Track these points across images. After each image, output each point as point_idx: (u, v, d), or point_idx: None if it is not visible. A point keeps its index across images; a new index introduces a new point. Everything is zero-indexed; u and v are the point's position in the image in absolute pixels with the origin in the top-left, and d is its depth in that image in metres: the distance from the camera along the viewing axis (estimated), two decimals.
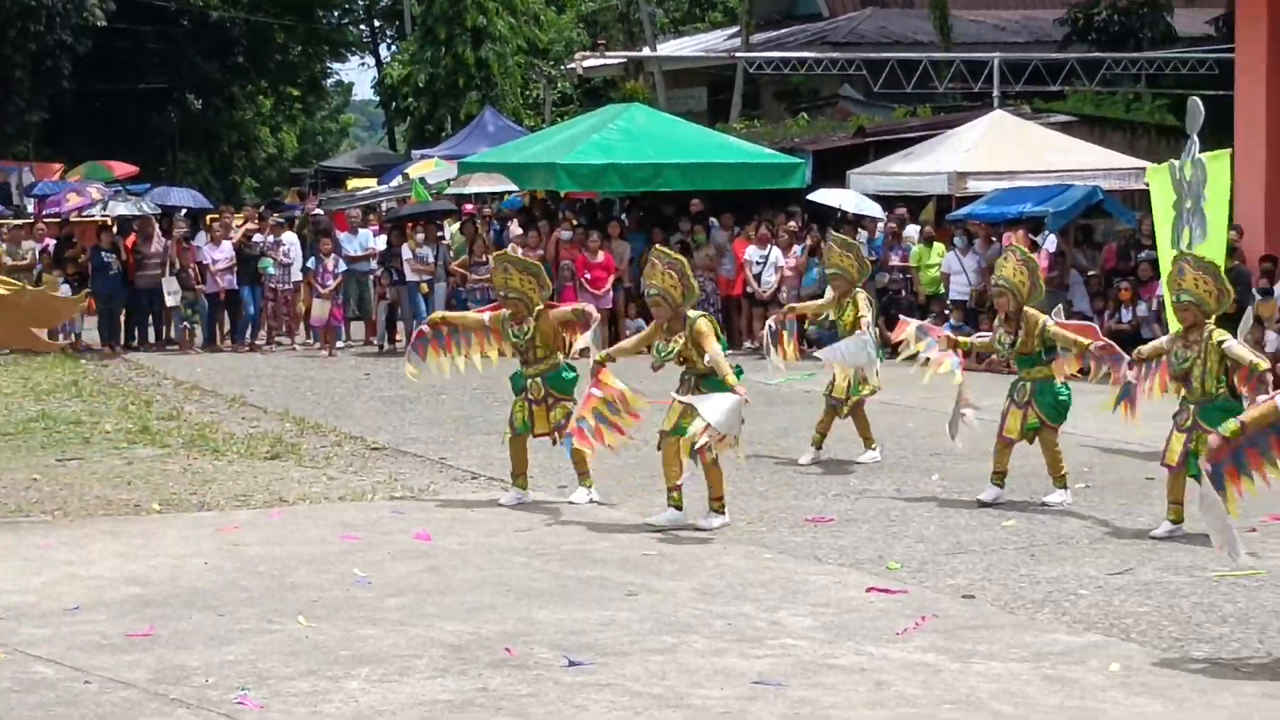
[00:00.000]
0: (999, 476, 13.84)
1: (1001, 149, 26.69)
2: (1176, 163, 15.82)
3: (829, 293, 16.53)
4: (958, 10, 40.45)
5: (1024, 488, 14.09)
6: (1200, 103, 16.86)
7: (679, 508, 12.82)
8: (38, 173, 41.98)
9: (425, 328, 14.63)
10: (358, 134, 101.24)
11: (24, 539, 12.05)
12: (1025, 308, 13.67)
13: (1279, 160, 23.16)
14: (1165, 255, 15.88)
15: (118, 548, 11.96)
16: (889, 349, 17.10)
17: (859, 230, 25.09)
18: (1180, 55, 35.82)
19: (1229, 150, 15.72)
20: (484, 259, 25.73)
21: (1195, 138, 16.21)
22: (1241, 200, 22.86)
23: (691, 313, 12.88)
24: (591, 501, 13.72)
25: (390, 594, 10.60)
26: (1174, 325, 13.46)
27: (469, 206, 30.19)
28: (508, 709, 8.24)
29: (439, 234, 26.66)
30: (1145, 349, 13.17)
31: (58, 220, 29.35)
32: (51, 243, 26.84)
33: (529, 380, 13.78)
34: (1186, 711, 8.33)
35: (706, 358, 12.64)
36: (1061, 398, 13.72)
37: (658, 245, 13.43)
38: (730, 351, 13.18)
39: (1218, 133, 25.90)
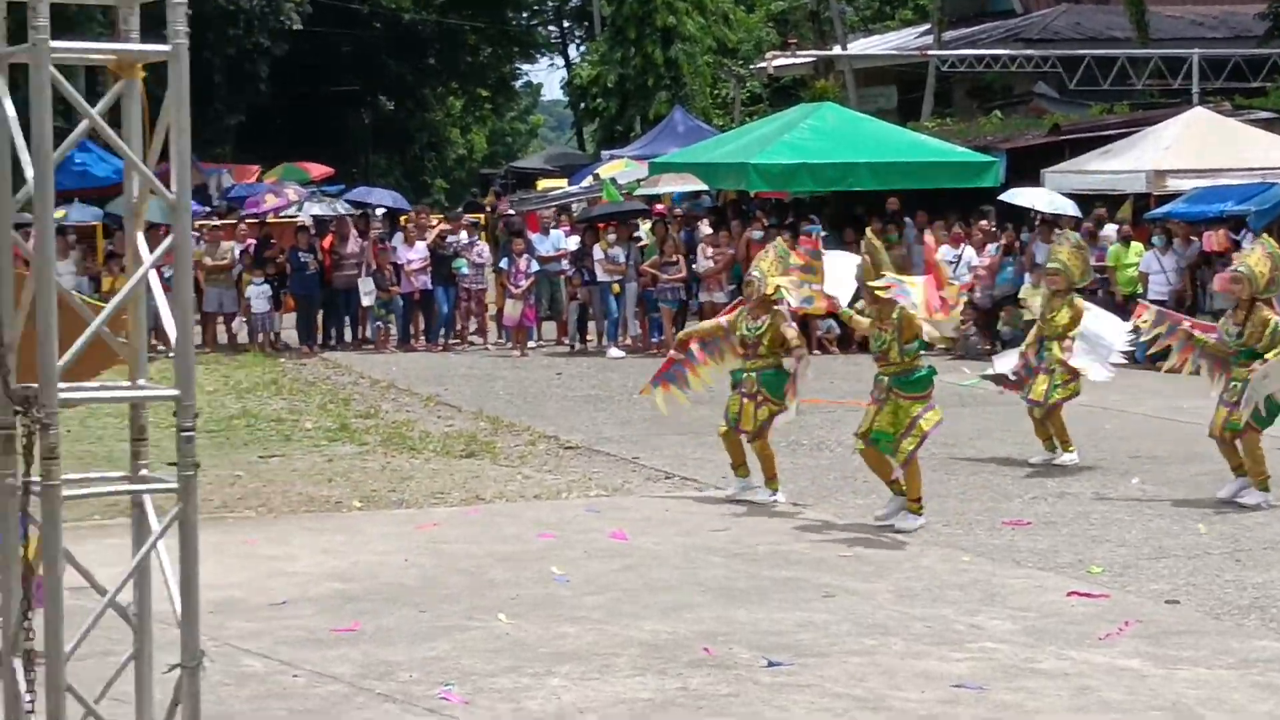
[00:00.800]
0: (1237, 470, 13.69)
1: (1201, 147, 26.24)
2: None
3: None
4: (1155, 5, 39.81)
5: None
6: None
7: (902, 493, 12.81)
8: (236, 175, 42.66)
9: (676, 353, 14.72)
10: (545, 134, 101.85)
11: (230, 535, 12.24)
12: (1258, 300, 13.48)
13: None
14: None
15: (321, 544, 12.15)
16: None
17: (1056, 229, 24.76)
18: None
19: None
20: (674, 259, 25.82)
21: None
22: None
23: (902, 301, 12.88)
24: (776, 502, 13.72)
25: (588, 592, 10.66)
26: None
27: (659, 207, 30.25)
28: (708, 708, 8.25)
29: (635, 234, 26.75)
30: None
31: (257, 221, 29.84)
32: (252, 244, 27.30)
33: (745, 374, 13.80)
34: None
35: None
36: (1273, 401, 13.46)
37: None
38: (922, 352, 13.06)
39: None
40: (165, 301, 5.57)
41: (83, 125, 5.33)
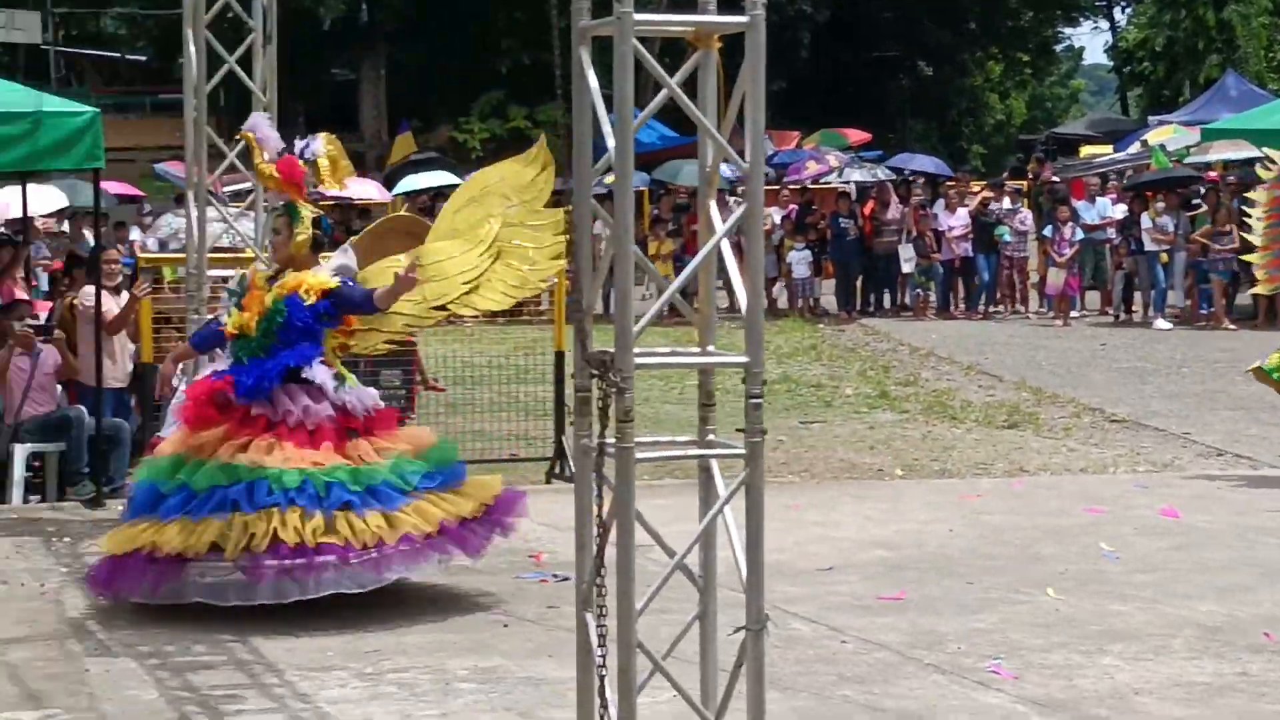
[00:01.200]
0: None
1: None
2: None
3: None
4: None
5: None
6: None
7: None
8: (776, 141, 43.14)
9: None
10: (1085, 99, 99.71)
11: (775, 499, 12.19)
12: None
13: None
14: None
15: (864, 511, 12.19)
16: None
17: None
18: None
19: None
20: (1227, 229, 24.91)
21: None
22: None
23: None
24: None
25: (1139, 570, 10.38)
26: None
27: (1212, 174, 29.29)
28: (1271, 696, 7.91)
29: (1195, 201, 25.96)
30: None
31: (798, 187, 30.13)
32: (793, 209, 27.61)
33: None
34: None
35: None
36: None
37: None
38: None
39: None
40: (736, 269, 5.65)
41: (661, 95, 5.44)
